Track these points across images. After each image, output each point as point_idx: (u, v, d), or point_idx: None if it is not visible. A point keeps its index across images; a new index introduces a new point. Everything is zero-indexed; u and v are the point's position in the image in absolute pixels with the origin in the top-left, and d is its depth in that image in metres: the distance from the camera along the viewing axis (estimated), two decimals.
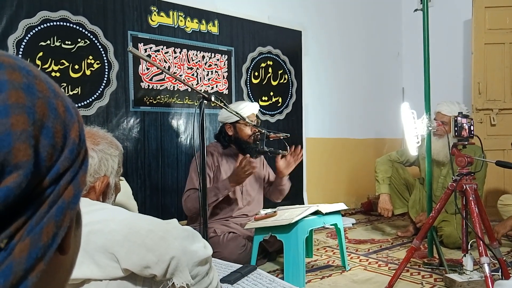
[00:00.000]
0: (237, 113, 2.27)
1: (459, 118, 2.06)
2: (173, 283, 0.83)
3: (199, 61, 3.23)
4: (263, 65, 3.66)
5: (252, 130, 2.57)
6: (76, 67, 2.67)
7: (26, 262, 0.28)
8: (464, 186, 1.98)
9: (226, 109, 2.22)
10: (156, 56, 3.01)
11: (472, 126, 2.10)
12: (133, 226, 0.83)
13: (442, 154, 2.91)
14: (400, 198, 3.26)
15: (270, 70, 3.71)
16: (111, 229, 0.82)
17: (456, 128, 2.05)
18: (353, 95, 4.46)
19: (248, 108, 2.57)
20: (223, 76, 3.38)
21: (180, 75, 3.10)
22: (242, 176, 2.39)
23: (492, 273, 1.82)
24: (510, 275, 2.04)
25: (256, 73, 3.61)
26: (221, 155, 2.63)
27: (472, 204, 1.94)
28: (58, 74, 2.59)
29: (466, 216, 2.06)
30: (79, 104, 2.68)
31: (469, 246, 2.08)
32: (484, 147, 2.13)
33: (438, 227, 2.91)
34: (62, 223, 0.32)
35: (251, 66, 3.57)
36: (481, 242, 1.83)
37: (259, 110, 3.05)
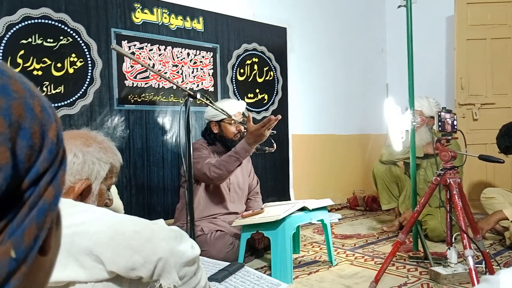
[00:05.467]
0: (223, 110, 2.26)
1: (442, 113, 2.09)
2: (160, 284, 0.83)
3: (184, 58, 3.21)
4: (248, 62, 3.65)
5: (237, 128, 2.58)
6: (59, 65, 2.63)
7: (9, 265, 0.28)
8: (448, 180, 2.01)
9: (212, 107, 2.22)
10: (140, 53, 2.98)
11: (455, 121, 2.13)
12: (118, 228, 0.82)
13: (419, 148, 2.95)
14: (389, 194, 3.32)
15: (255, 67, 3.70)
16: (96, 230, 0.81)
17: (439, 123, 2.08)
18: (338, 91, 4.49)
19: (234, 106, 2.57)
20: (209, 73, 3.37)
21: (165, 73, 3.08)
22: (264, 135, 2.25)
23: (476, 265, 1.85)
24: (494, 267, 2.08)
25: (242, 70, 3.60)
26: (212, 152, 2.64)
27: (456, 198, 1.97)
28: (40, 73, 2.55)
29: (450, 209, 2.09)
30: (62, 103, 2.64)
31: (453, 239, 2.12)
32: (467, 141, 2.16)
33: (423, 221, 2.95)
34: (43, 225, 0.31)
35: (237, 63, 3.56)
36: (465, 235, 1.86)
37: (245, 107, 3.04)
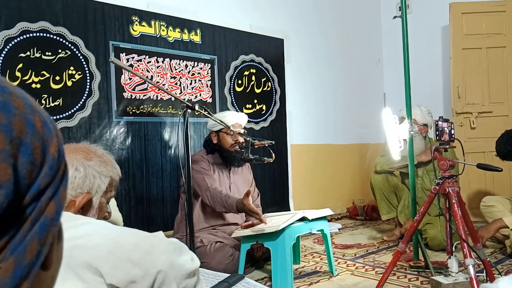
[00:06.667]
0: (221, 121, 2.27)
1: (439, 123, 2.09)
2: None
3: (182, 70, 3.22)
4: (246, 73, 3.67)
5: (235, 139, 2.58)
6: (57, 78, 2.64)
7: (11, 282, 0.28)
8: (447, 189, 2.01)
9: (210, 118, 2.22)
10: (138, 65, 2.99)
11: (452, 130, 2.13)
12: (118, 241, 0.82)
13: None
14: (387, 204, 3.32)
15: (253, 78, 3.72)
16: (95, 244, 0.80)
17: (437, 132, 2.08)
18: (336, 101, 4.51)
19: (232, 117, 2.58)
20: (207, 84, 3.38)
21: (163, 85, 3.09)
22: (248, 215, 2.43)
23: (477, 274, 1.84)
24: (494, 275, 2.07)
25: (240, 81, 3.62)
26: (210, 164, 2.64)
27: (455, 206, 1.97)
28: (38, 86, 2.56)
29: (450, 218, 2.09)
30: (61, 116, 2.64)
31: (453, 248, 2.11)
32: (465, 150, 2.17)
33: (423, 230, 2.95)
34: (45, 240, 0.31)
35: (235, 74, 3.58)
36: (465, 244, 1.86)
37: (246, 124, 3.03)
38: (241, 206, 2.34)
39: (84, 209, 1.01)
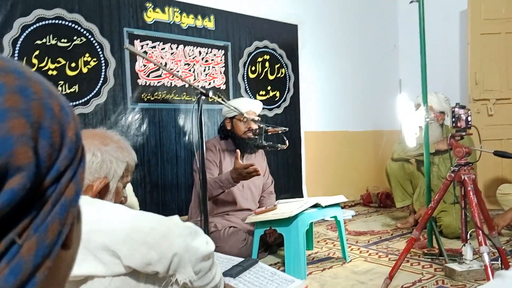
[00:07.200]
0: (235, 108, 2.28)
1: (456, 109, 2.06)
2: (176, 279, 0.84)
3: (196, 56, 3.22)
4: (260, 59, 3.65)
5: (247, 126, 2.59)
6: (73, 65, 2.67)
7: (34, 260, 0.29)
8: (463, 177, 1.99)
9: (224, 104, 2.23)
10: (152, 52, 3.00)
11: (469, 117, 2.10)
12: (134, 224, 0.84)
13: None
14: (402, 192, 3.29)
15: (267, 64, 3.70)
16: (113, 227, 0.82)
17: (453, 119, 2.05)
18: (351, 87, 4.46)
19: (246, 104, 2.59)
20: (220, 71, 3.38)
21: (177, 71, 3.10)
22: (245, 178, 2.41)
23: (492, 262, 1.83)
24: (510, 263, 2.06)
25: (253, 68, 3.61)
26: (222, 151, 2.65)
27: (471, 194, 1.95)
28: (54, 73, 2.59)
29: (465, 206, 2.07)
30: (77, 102, 2.68)
31: (468, 235, 2.10)
32: (482, 137, 2.13)
33: (437, 217, 2.93)
34: (65, 221, 0.32)
35: (248, 60, 3.57)
36: (480, 231, 1.84)
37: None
38: (235, 172, 2.36)
39: (101, 194, 1.03)
